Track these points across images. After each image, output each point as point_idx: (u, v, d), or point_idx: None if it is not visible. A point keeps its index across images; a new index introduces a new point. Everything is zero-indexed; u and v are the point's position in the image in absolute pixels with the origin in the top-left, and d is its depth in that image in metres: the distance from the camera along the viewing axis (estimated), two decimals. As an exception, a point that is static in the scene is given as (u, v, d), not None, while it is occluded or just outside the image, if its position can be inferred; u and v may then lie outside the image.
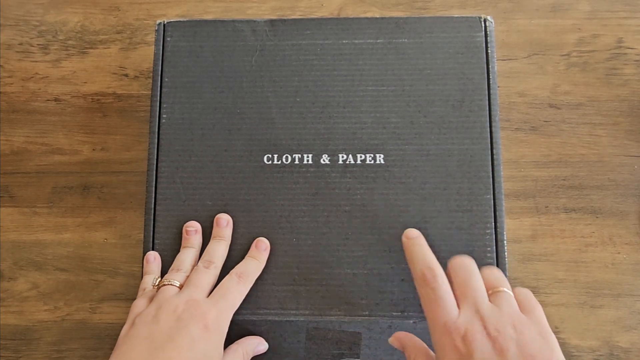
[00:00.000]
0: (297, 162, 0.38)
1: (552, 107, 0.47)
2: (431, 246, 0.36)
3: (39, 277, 0.45)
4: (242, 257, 0.37)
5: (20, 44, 0.50)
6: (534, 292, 0.43)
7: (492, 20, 0.40)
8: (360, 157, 0.38)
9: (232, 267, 0.36)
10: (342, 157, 0.38)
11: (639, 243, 0.44)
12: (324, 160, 0.38)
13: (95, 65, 0.49)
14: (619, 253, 0.44)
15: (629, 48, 0.48)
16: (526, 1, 0.49)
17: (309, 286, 0.36)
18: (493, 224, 0.37)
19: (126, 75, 0.49)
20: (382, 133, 0.38)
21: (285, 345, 0.36)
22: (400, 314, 0.36)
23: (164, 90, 0.40)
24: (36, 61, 0.49)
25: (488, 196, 0.37)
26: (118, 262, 0.45)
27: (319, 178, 0.38)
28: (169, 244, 0.37)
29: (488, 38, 0.39)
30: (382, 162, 0.38)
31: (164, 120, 0.39)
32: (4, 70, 0.49)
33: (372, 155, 0.38)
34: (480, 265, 0.35)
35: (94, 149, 0.47)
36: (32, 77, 0.49)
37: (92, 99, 0.48)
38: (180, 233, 0.37)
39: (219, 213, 0.37)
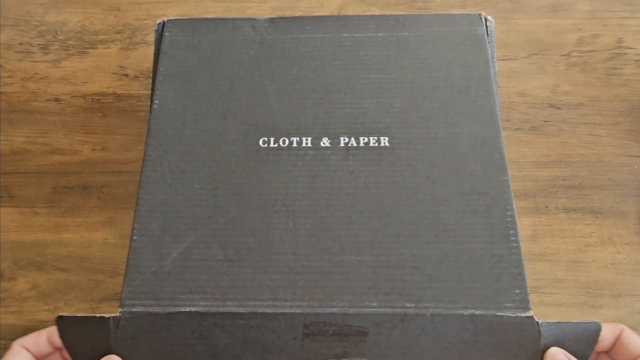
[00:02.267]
0: (295, 145, 0.36)
1: (552, 107, 0.47)
2: (445, 231, 0.33)
3: (39, 277, 0.45)
4: (235, 245, 0.34)
5: (20, 44, 0.50)
6: (534, 292, 0.43)
7: (493, 20, 0.40)
8: (364, 139, 0.35)
9: (228, 255, 0.33)
10: (344, 139, 0.36)
11: (639, 243, 0.44)
12: (324, 143, 0.36)
13: (95, 65, 0.49)
14: (619, 253, 0.44)
15: (629, 48, 0.48)
16: (526, 1, 0.49)
17: (307, 274, 0.32)
18: (513, 206, 0.33)
19: (126, 75, 0.49)
20: (385, 117, 0.36)
21: (279, 342, 0.31)
22: (414, 305, 0.31)
23: (158, 78, 0.38)
24: (36, 61, 0.49)
25: (505, 177, 0.34)
26: (118, 262, 0.45)
27: (318, 161, 0.35)
28: (150, 229, 0.34)
29: (489, 38, 0.39)
30: (387, 144, 0.35)
31: (155, 106, 0.37)
32: (4, 70, 0.49)
33: (375, 137, 0.36)
34: (501, 254, 0.33)
35: (94, 149, 0.47)
36: (32, 77, 0.49)
37: (92, 99, 0.48)
38: (164, 218, 0.34)
39: (207, 197, 0.35)
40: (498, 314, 0.31)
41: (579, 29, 0.48)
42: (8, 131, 0.48)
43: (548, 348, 0.31)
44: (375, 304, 0.31)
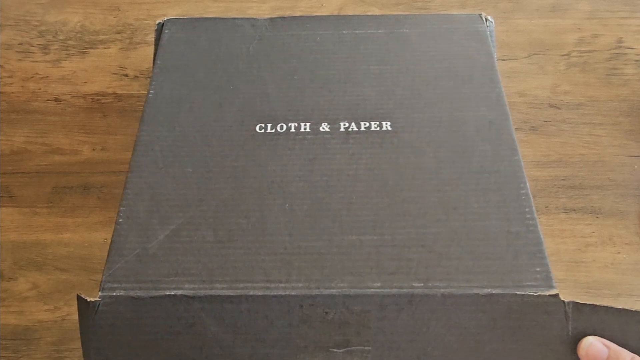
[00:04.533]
0: (292, 130, 0.34)
1: (552, 107, 0.47)
2: (456, 209, 0.31)
3: (39, 277, 0.45)
4: (227, 226, 0.32)
5: (20, 44, 0.50)
6: (534, 292, 0.43)
7: (493, 20, 0.40)
8: (365, 124, 0.34)
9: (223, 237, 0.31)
10: (344, 124, 0.34)
11: (639, 243, 0.44)
12: (323, 128, 0.34)
13: (95, 65, 0.49)
14: (619, 253, 0.44)
15: (629, 48, 0.48)
16: (526, 1, 0.49)
17: (303, 255, 0.29)
18: (527, 184, 0.32)
19: (126, 75, 0.49)
20: (387, 103, 0.35)
21: (272, 329, 0.28)
22: (422, 284, 0.28)
23: (155, 71, 0.37)
24: (36, 61, 0.49)
25: (516, 157, 0.33)
26: (118, 262, 0.45)
27: (317, 144, 0.34)
28: (136, 211, 0.32)
29: (489, 38, 0.39)
30: (390, 128, 0.34)
31: (150, 95, 0.36)
32: (4, 70, 0.49)
33: (377, 122, 0.34)
34: (518, 231, 0.30)
35: (94, 149, 0.47)
36: (32, 77, 0.49)
37: (92, 99, 0.48)
38: (153, 200, 0.32)
39: (199, 180, 0.33)
40: (518, 292, 0.27)
41: (579, 29, 0.48)
42: (8, 131, 0.48)
43: (581, 335, 0.27)
44: (379, 284, 0.28)
